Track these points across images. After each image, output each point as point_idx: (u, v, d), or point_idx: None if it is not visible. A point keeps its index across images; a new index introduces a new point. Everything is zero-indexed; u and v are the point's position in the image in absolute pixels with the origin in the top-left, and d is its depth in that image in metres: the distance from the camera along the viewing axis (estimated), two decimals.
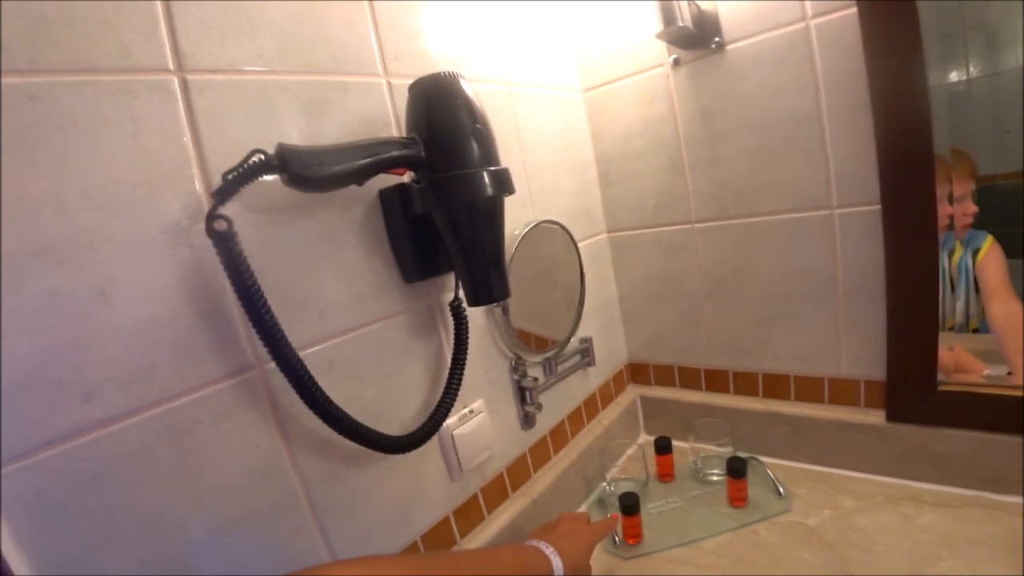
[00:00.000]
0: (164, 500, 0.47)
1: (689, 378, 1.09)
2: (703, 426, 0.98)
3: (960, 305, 0.97)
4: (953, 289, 0.96)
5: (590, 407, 1.04)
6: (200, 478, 0.49)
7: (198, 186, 0.49)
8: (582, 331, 1.00)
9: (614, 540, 0.85)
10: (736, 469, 0.87)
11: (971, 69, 1.11)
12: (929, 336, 0.84)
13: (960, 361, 0.90)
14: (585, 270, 0.97)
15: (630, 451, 1.02)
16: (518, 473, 0.86)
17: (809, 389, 0.96)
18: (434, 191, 0.58)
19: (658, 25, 0.79)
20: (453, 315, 0.68)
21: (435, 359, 0.71)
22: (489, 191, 0.58)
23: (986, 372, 0.87)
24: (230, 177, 0.44)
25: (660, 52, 0.94)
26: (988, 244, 0.96)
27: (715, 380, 1.06)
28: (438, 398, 0.67)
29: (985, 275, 0.94)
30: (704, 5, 0.86)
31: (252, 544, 0.53)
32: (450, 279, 0.71)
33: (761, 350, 0.99)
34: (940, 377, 0.84)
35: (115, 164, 0.44)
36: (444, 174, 0.57)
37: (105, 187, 0.44)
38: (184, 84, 0.48)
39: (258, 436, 0.53)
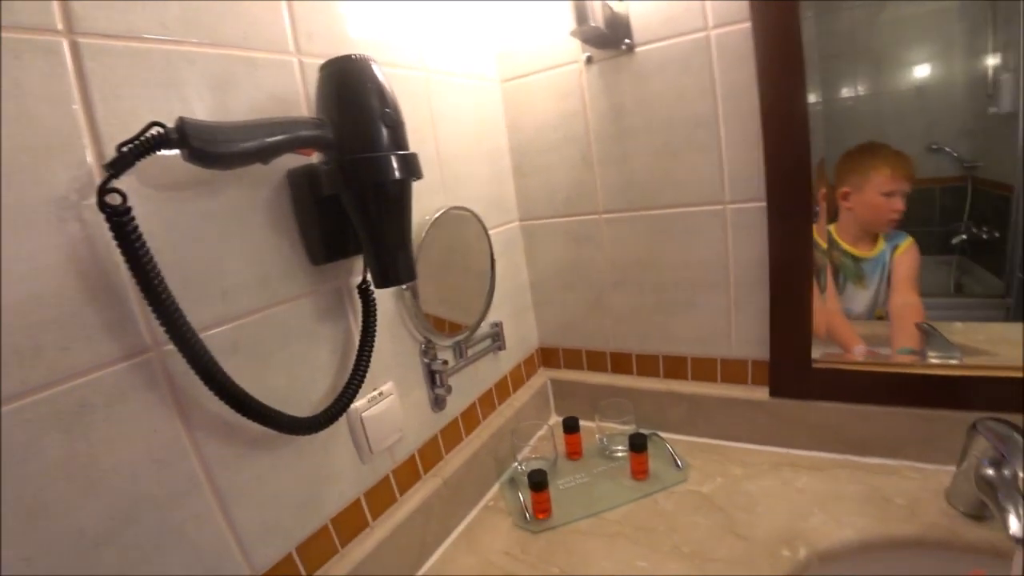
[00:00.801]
0: (51, 490, 0.45)
1: (596, 361, 1.15)
2: (608, 406, 1.04)
3: (870, 293, 1.10)
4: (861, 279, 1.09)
5: (501, 390, 1.07)
6: (92, 465, 0.47)
7: (89, 158, 0.46)
8: (493, 316, 1.02)
9: (524, 516, 0.88)
10: (637, 444, 0.93)
11: (858, 88, 1.24)
12: (804, 321, 0.93)
13: (834, 328, 1.02)
14: (497, 257, 1.00)
15: (541, 432, 1.06)
16: (430, 455, 0.87)
17: (704, 369, 1.05)
18: (342, 173, 0.58)
19: (572, 23, 0.83)
20: (361, 298, 0.68)
21: (343, 342, 0.71)
22: (397, 174, 0.59)
23: (857, 348, 0.99)
24: (125, 150, 0.42)
25: (574, 49, 0.98)
26: (907, 243, 1.09)
27: (620, 363, 1.12)
28: (346, 380, 0.67)
29: (899, 268, 1.07)
30: (616, 7, 0.90)
31: (152, 533, 0.51)
32: (358, 262, 0.71)
33: (662, 334, 1.06)
34: (814, 356, 0.94)
35: None
36: (352, 156, 0.57)
37: None
38: (75, 47, 0.45)
39: (156, 420, 0.52)
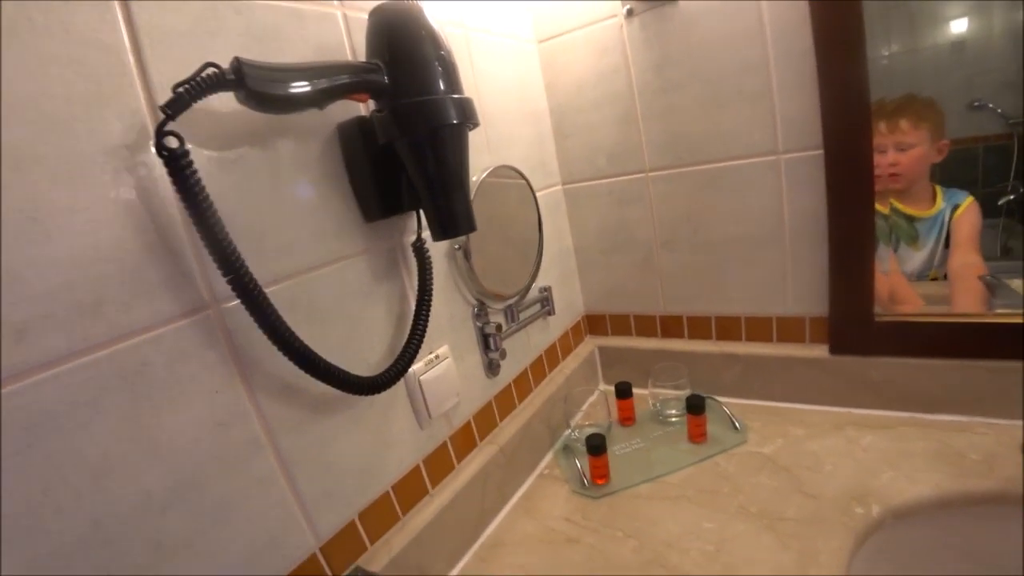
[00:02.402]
0: (116, 451, 0.43)
1: (645, 326, 1.11)
2: (661, 370, 1.01)
3: (925, 254, 1.05)
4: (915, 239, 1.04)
5: (551, 357, 1.04)
6: (156, 426, 0.46)
7: (143, 106, 0.44)
8: (541, 280, 1.00)
9: (582, 482, 0.86)
10: (695, 406, 0.91)
11: (892, 45, 1.18)
12: (867, 273, 0.89)
13: (896, 291, 0.97)
14: (543, 220, 0.97)
15: (592, 398, 1.03)
16: (485, 421, 0.85)
17: (759, 329, 1.01)
18: (397, 119, 0.55)
19: None
20: (416, 256, 0.66)
21: (399, 302, 0.69)
22: (454, 118, 0.56)
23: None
24: (181, 90, 0.40)
25: (613, 3, 0.94)
26: (968, 202, 1.04)
27: (670, 326, 1.09)
28: (403, 342, 0.65)
29: (960, 229, 1.02)
30: None
31: (216, 498, 0.50)
32: (412, 220, 0.69)
33: (713, 294, 1.03)
34: (876, 310, 0.90)
35: (44, 75, 0.39)
36: (408, 100, 0.55)
37: (33, 100, 0.39)
38: None
39: (217, 381, 0.50)
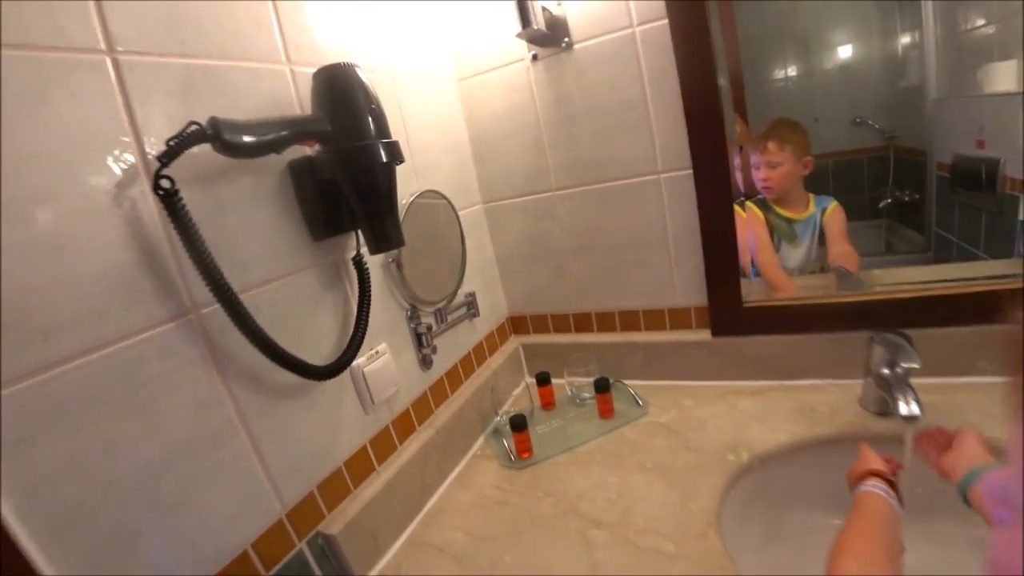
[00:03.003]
0: (122, 427, 0.55)
1: (560, 323, 1.29)
2: (575, 360, 1.18)
3: (803, 251, 1.27)
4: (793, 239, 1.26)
5: (479, 354, 1.19)
6: (152, 407, 0.57)
7: (135, 153, 0.56)
8: (466, 287, 1.14)
9: (509, 457, 1.01)
10: (602, 386, 1.08)
11: (789, 69, 1.39)
12: (733, 267, 1.08)
13: (775, 281, 1.19)
14: (465, 234, 1.12)
15: (517, 389, 1.18)
16: (422, 408, 0.99)
17: (655, 320, 1.20)
18: (338, 160, 0.70)
19: (518, 27, 0.96)
20: (356, 268, 0.80)
21: (343, 307, 0.82)
22: (383, 158, 0.71)
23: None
24: (172, 143, 0.53)
25: (521, 48, 1.11)
26: (833, 205, 1.28)
27: (582, 322, 1.26)
28: (348, 339, 0.78)
29: (831, 226, 1.26)
30: (555, 10, 1.04)
31: (202, 466, 0.61)
32: (352, 238, 0.83)
33: (616, 293, 1.21)
34: (746, 298, 1.10)
35: (58, 132, 0.51)
36: (347, 145, 0.69)
37: (52, 151, 0.50)
38: (116, 63, 0.56)
39: (198, 371, 0.62)
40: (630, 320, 1.22)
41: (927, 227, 1.33)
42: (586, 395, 1.15)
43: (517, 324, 1.34)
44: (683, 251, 1.12)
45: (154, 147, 0.58)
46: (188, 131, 0.54)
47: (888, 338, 0.90)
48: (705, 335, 1.14)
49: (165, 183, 0.53)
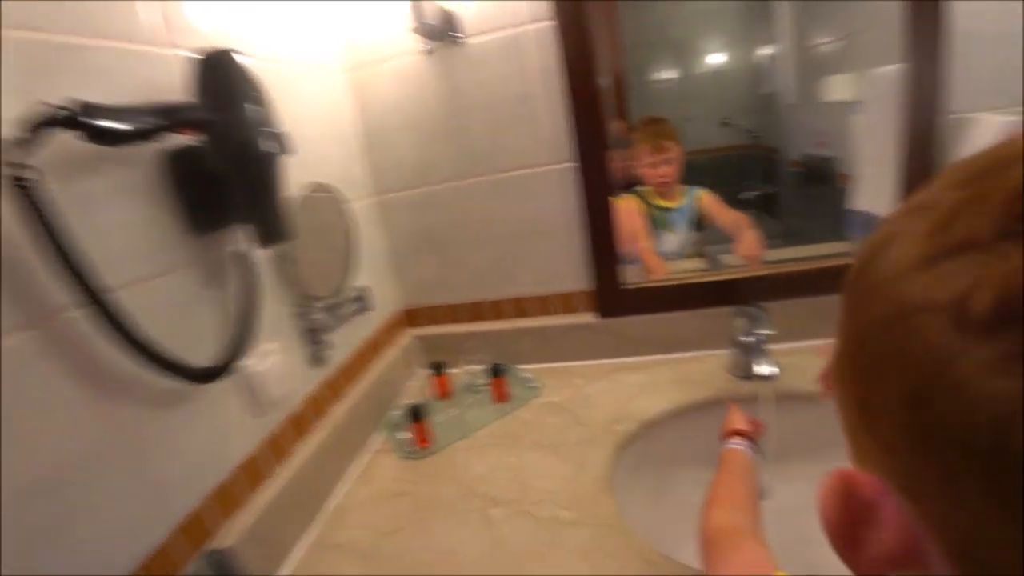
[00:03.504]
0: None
1: (455, 313, 1.30)
2: (469, 348, 1.20)
3: (680, 237, 1.38)
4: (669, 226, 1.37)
5: (373, 347, 1.17)
6: (12, 426, 0.50)
7: None
8: (359, 281, 1.12)
9: (409, 449, 1.01)
10: (496, 372, 1.11)
11: (667, 72, 1.52)
12: (613, 254, 1.16)
13: (650, 265, 1.28)
14: (357, 227, 1.10)
15: (412, 382, 1.19)
16: (317, 406, 0.96)
17: (545, 305, 1.25)
18: (219, 150, 0.66)
19: (411, 21, 0.96)
20: (242, 264, 0.76)
21: (228, 306, 0.78)
22: (269, 149, 0.68)
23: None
24: (34, 128, 0.48)
25: (414, 42, 1.10)
26: (705, 191, 1.40)
27: (476, 311, 1.29)
28: (235, 339, 0.74)
29: (712, 206, 1.38)
30: (447, 6, 1.05)
31: (77, 488, 0.55)
32: (237, 233, 0.78)
33: (508, 281, 1.25)
34: (625, 281, 1.18)
35: None
36: (231, 134, 0.66)
37: None
38: None
39: (67, 383, 0.55)
40: (522, 307, 1.26)
41: (781, 216, 1.52)
42: (481, 382, 1.17)
43: (412, 316, 1.33)
44: (569, 239, 1.18)
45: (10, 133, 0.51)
46: (53, 115, 0.49)
47: (747, 310, 1.02)
48: (592, 317, 1.21)
49: (25, 173, 0.47)
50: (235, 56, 0.67)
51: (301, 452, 0.89)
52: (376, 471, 0.99)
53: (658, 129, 1.35)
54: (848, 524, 0.24)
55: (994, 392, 0.17)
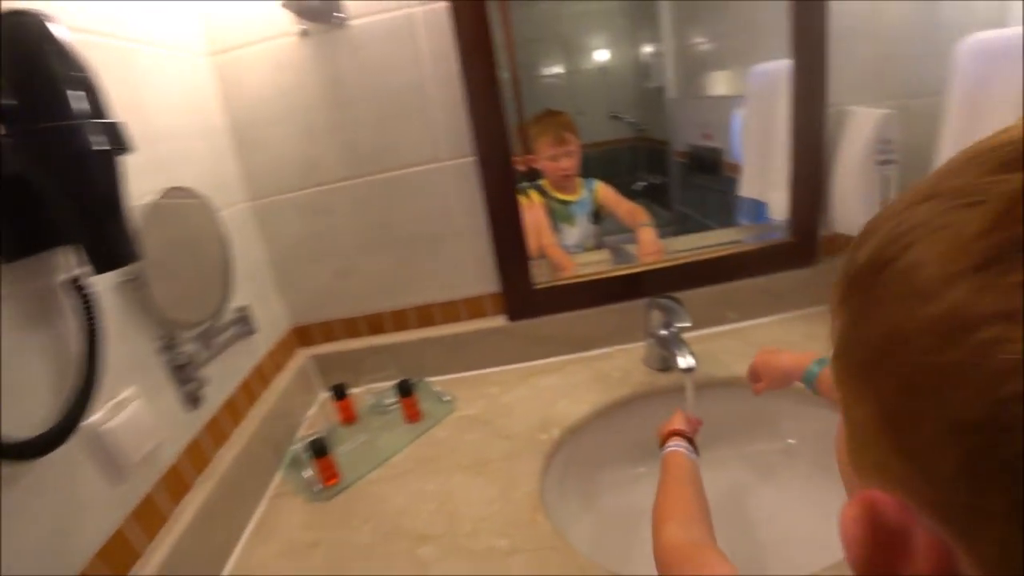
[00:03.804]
0: None
1: (353, 328, 1.17)
2: (371, 365, 1.09)
3: (579, 230, 1.35)
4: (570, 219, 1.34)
5: (261, 376, 1.02)
6: None
7: None
8: (237, 301, 0.96)
9: (314, 489, 0.88)
10: (404, 389, 1.01)
11: (556, 67, 1.53)
12: (521, 253, 1.11)
13: (557, 260, 1.24)
14: (230, 238, 0.94)
15: (312, 409, 1.05)
16: (197, 457, 0.80)
17: (451, 312, 1.17)
18: (28, 146, 0.49)
19: None
20: (76, 295, 0.59)
21: (60, 350, 0.61)
22: (98, 144, 0.53)
23: (573, 269, 1.22)
24: None
25: (288, 22, 0.96)
26: (599, 183, 1.39)
27: (376, 324, 1.17)
28: (72, 392, 0.58)
29: (608, 197, 1.38)
30: None
31: None
32: (65, 255, 0.61)
33: (409, 288, 1.15)
34: (535, 280, 1.13)
35: None
36: (39, 126, 0.49)
37: None
38: None
39: None
40: (426, 315, 1.17)
41: (672, 205, 1.57)
42: (390, 401, 1.07)
43: (304, 334, 1.18)
44: (473, 239, 1.10)
45: None
46: None
47: (662, 303, 1.01)
48: (502, 321, 1.15)
49: None
50: (37, 20, 0.50)
51: (181, 517, 0.73)
52: (279, 521, 0.85)
53: (559, 121, 1.32)
54: (877, 555, 0.21)
55: None
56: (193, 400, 0.81)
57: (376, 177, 1.06)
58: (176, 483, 0.75)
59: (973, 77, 0.90)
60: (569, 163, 1.33)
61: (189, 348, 0.81)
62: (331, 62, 0.99)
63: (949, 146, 0.95)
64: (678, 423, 0.80)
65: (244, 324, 0.97)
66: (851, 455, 0.24)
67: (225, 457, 0.84)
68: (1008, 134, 0.20)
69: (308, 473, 0.90)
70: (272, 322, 1.10)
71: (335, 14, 0.95)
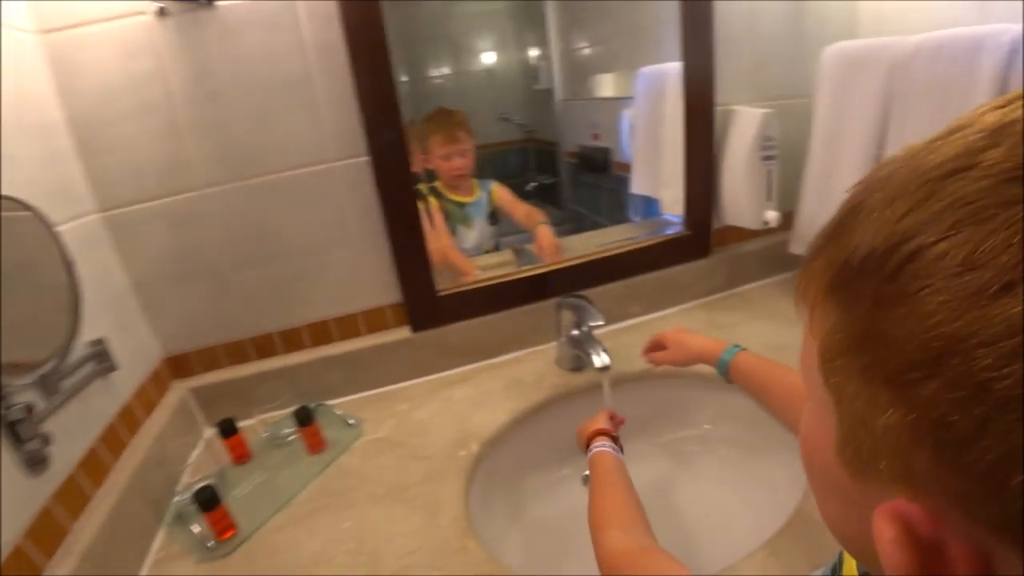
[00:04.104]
0: None
1: (238, 352, 1.03)
2: (263, 393, 0.97)
3: (477, 232, 1.32)
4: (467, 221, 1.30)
5: (129, 419, 0.85)
6: None
7: None
8: (88, 333, 0.80)
9: (207, 545, 0.75)
10: (303, 418, 0.91)
11: (443, 68, 1.49)
12: (423, 259, 1.04)
13: (456, 264, 1.19)
14: (76, 258, 0.77)
15: (196, 452, 0.91)
16: (47, 533, 0.64)
17: (349, 326, 1.07)
18: None
19: None
20: None
21: None
22: None
23: (475, 273, 1.18)
24: None
25: None
26: (495, 184, 1.36)
27: (264, 345, 1.04)
28: None
29: (504, 199, 1.35)
30: None
31: None
32: None
33: (299, 304, 1.04)
34: (439, 287, 1.07)
35: None
36: None
37: None
38: None
39: None
40: (321, 332, 1.06)
41: (564, 204, 1.59)
42: (287, 431, 0.95)
43: (178, 365, 1.02)
44: (368, 246, 1.02)
45: None
46: None
47: (572, 302, 1.00)
48: (405, 332, 1.09)
49: None
50: None
51: None
52: None
53: (452, 120, 1.28)
54: (922, 573, 0.20)
55: None
56: (36, 463, 0.65)
57: (255, 181, 0.94)
58: (20, 570, 0.60)
59: (836, 80, 1.00)
60: (462, 163, 1.29)
61: (26, 398, 0.66)
62: (198, 48, 0.85)
63: (819, 142, 1.05)
64: (600, 422, 0.81)
65: (101, 360, 0.81)
66: (852, 459, 0.23)
67: (87, 527, 0.69)
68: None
69: (197, 528, 0.77)
70: (139, 354, 0.93)
71: None
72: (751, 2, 1.06)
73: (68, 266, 0.76)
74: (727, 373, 0.76)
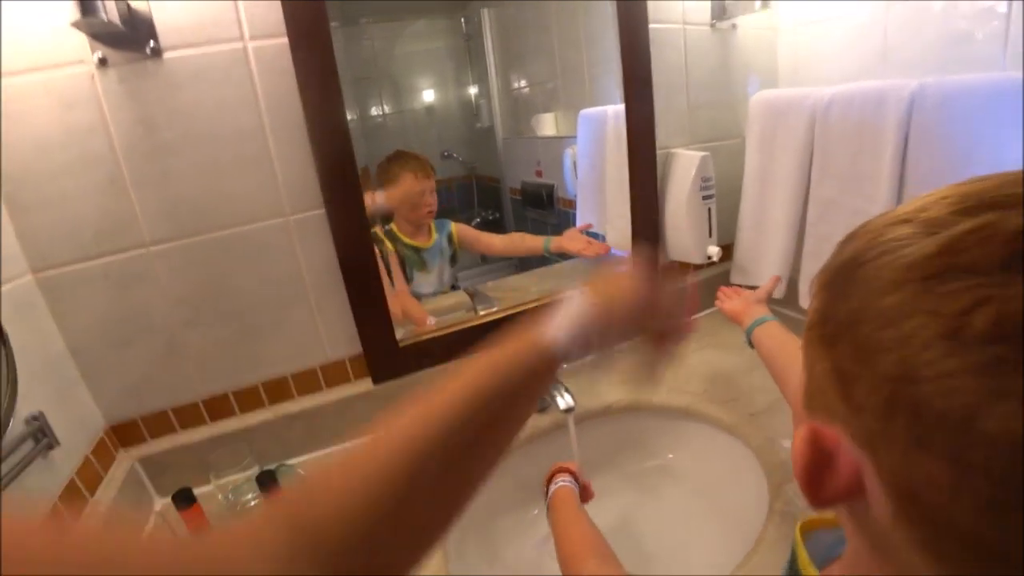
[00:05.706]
0: None
1: (189, 416, 0.97)
2: (220, 457, 0.91)
3: (435, 276, 1.31)
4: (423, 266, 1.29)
5: (73, 498, 0.78)
6: None
7: None
8: (25, 407, 0.73)
9: None
10: (266, 479, 0.87)
11: (385, 106, 1.50)
12: (382, 309, 1.03)
13: (409, 311, 1.18)
14: (7, 325, 0.72)
15: (149, 527, 0.83)
16: None
17: (307, 382, 1.04)
18: None
19: (75, 13, 0.65)
20: None
21: None
22: None
23: (429, 321, 1.17)
24: None
25: (81, 47, 0.77)
26: (453, 224, 1.36)
27: (218, 407, 0.99)
28: None
29: (468, 235, 1.37)
30: (136, 4, 0.76)
31: None
32: None
33: (254, 362, 1.00)
34: (399, 337, 1.06)
35: None
36: None
37: None
38: None
39: None
40: (279, 389, 1.02)
41: None
42: (250, 496, 0.90)
43: (124, 433, 0.94)
44: (326, 299, 1.00)
45: None
46: None
47: None
48: (367, 385, 1.07)
49: None
50: None
51: None
52: None
53: (419, 157, 1.29)
54: (813, 467, 0.28)
55: (976, 386, 0.21)
56: None
57: (203, 238, 0.91)
58: None
59: (764, 125, 1.11)
60: (433, 201, 1.30)
61: None
62: (142, 101, 0.82)
63: (751, 180, 1.15)
64: (566, 463, 0.83)
65: (40, 437, 0.74)
66: (806, 399, 0.31)
67: None
68: (976, 185, 0.26)
69: None
70: (81, 425, 0.86)
71: (148, 42, 0.79)
72: (683, 55, 1.16)
73: (0, 336, 0.70)
74: (750, 338, 0.86)
